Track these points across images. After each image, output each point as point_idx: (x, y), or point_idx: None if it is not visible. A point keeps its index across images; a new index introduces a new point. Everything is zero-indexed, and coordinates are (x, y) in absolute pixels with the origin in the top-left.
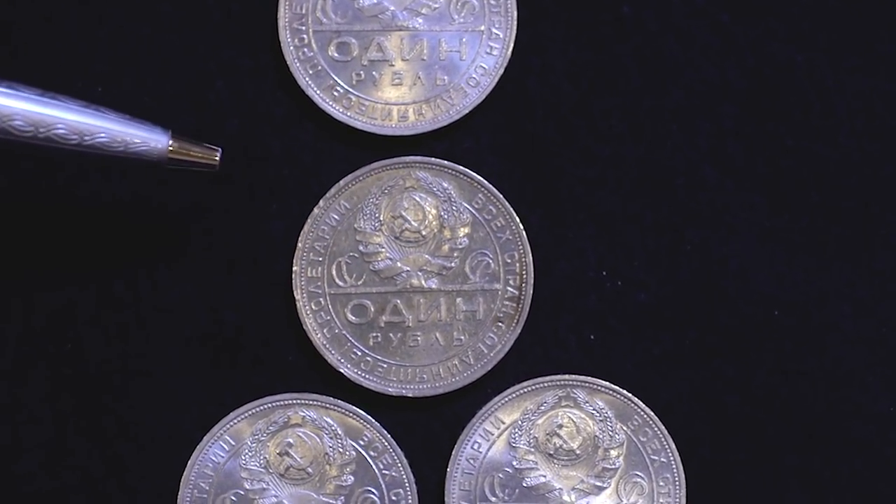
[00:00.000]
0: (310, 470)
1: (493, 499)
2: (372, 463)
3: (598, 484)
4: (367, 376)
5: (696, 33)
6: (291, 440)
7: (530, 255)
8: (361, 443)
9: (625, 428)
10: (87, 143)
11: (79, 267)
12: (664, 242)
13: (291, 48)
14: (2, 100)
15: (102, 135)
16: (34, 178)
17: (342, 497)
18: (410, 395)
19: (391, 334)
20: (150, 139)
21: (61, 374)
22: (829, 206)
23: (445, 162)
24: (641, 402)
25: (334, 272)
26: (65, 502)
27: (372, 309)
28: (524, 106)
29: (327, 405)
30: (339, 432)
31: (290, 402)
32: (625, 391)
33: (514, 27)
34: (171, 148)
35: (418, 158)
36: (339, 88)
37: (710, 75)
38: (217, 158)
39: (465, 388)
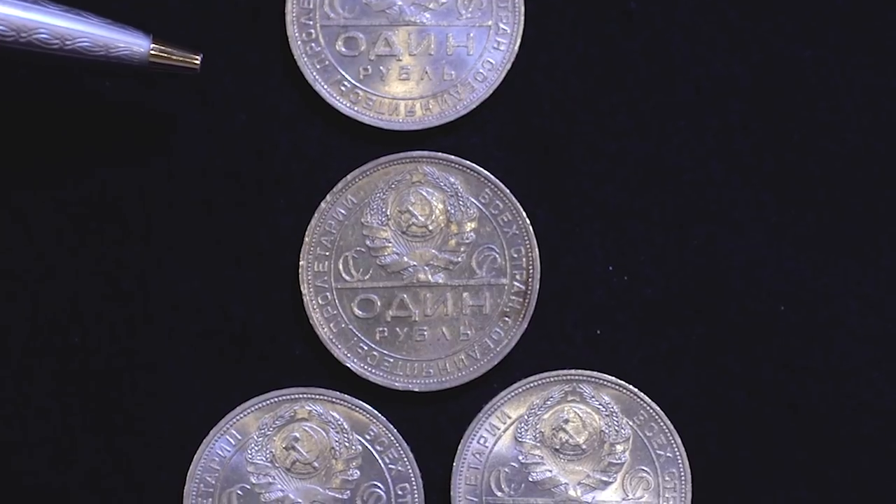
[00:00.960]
0: (316, 464)
1: (499, 493)
2: (378, 457)
3: (604, 479)
4: (373, 371)
5: (703, 29)
6: (298, 434)
7: (537, 249)
8: (368, 437)
9: (631, 423)
10: (68, 48)
11: (86, 261)
12: (671, 238)
13: (299, 43)
14: None
15: (84, 39)
16: (43, 170)
17: (348, 491)
18: (417, 389)
19: (398, 329)
20: (131, 43)
21: (68, 368)
22: (836, 203)
23: (452, 157)
24: (647, 398)
25: (341, 267)
26: (71, 497)
27: (378, 303)
28: (531, 101)
29: (333, 399)
30: (346, 426)
31: (297, 396)
32: (631, 386)
33: (522, 22)
34: (152, 52)
35: (425, 153)
36: (346, 83)
37: (717, 71)
38: (198, 62)
39: (471, 382)
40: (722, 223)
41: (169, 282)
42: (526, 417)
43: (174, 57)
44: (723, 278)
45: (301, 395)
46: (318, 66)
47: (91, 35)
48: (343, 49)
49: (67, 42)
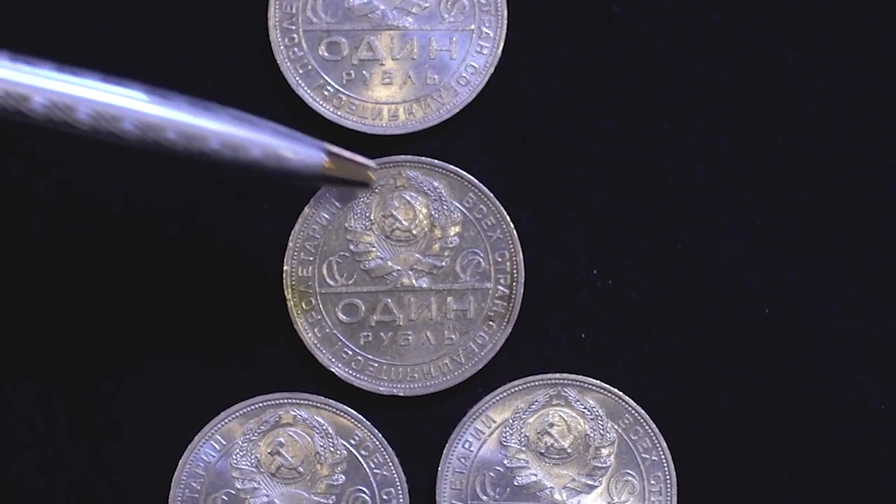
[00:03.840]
0: (301, 469)
1: (485, 498)
2: (363, 462)
3: (590, 482)
4: (358, 375)
5: (686, 32)
6: (283, 439)
7: (521, 253)
8: (352, 442)
9: (616, 426)
10: (241, 159)
11: (69, 267)
12: (655, 241)
13: (282, 48)
14: (157, 109)
15: (256, 149)
16: (27, 176)
17: (333, 496)
18: (401, 394)
19: (382, 333)
20: (306, 155)
21: (52, 374)
22: (820, 206)
23: (436, 161)
24: (632, 401)
25: (325, 271)
26: (56, 503)
27: (363, 308)
28: (515, 105)
29: (318, 404)
30: (331, 431)
31: (282, 401)
32: (616, 390)
33: (505, 26)
34: (326, 164)
35: (409, 157)
36: (329, 88)
37: (700, 74)
38: (372, 177)
39: (456, 387)
40: (706, 226)
41: (153, 287)
42: (511, 421)
43: (348, 168)
44: (707, 281)
45: (286, 401)
46: (300, 71)
47: (263, 145)
48: (326, 53)
49: (240, 153)
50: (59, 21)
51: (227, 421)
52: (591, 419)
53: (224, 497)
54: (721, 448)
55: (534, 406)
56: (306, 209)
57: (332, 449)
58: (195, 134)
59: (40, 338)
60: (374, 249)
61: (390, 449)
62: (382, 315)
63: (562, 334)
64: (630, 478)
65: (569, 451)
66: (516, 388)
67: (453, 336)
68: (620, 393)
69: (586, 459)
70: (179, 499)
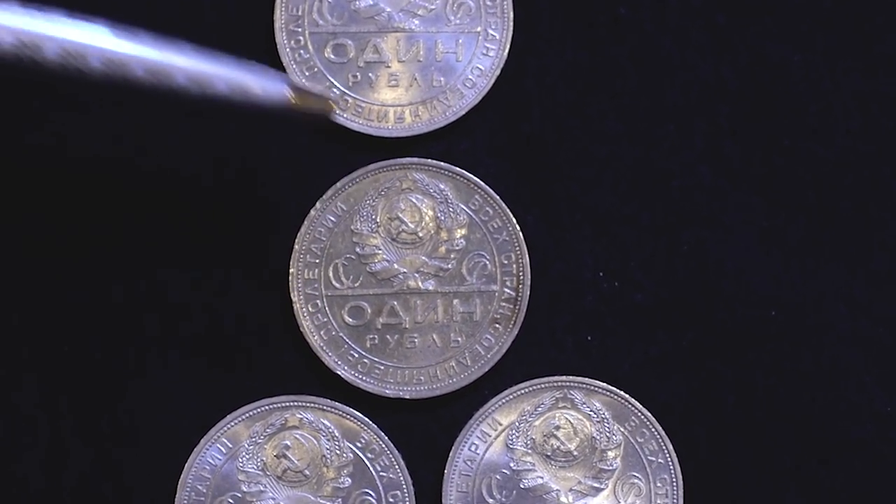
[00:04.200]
0: (307, 472)
1: (491, 500)
2: (369, 465)
3: (596, 485)
4: (364, 378)
5: (692, 34)
6: (289, 442)
7: (527, 256)
8: (359, 445)
9: (622, 429)
10: (208, 94)
11: (75, 268)
12: (661, 243)
13: (288, 50)
14: (122, 45)
15: (221, 84)
16: (31, 173)
17: (339, 499)
18: (408, 396)
19: (388, 336)
20: (269, 87)
21: (58, 376)
22: (826, 207)
23: (442, 163)
24: (639, 403)
25: (331, 274)
26: None
27: (369, 311)
28: (521, 107)
29: (324, 407)
30: (337, 434)
31: (288, 404)
32: (622, 392)
33: (511, 28)
34: (290, 97)
35: (415, 160)
36: (335, 90)
37: (706, 76)
38: (334, 107)
39: (462, 389)
40: (712, 228)
41: (159, 290)
42: (517, 424)
43: (311, 101)
44: (713, 283)
45: (292, 403)
46: (306, 73)
47: (228, 79)
48: (332, 56)
49: (206, 88)
50: None
51: (233, 424)
52: (598, 421)
53: (230, 500)
54: (727, 450)
55: (540, 408)
56: (312, 212)
57: (338, 452)
58: (161, 70)
59: (45, 339)
60: (380, 252)
61: (396, 451)
62: (388, 318)
63: (568, 336)
64: (636, 480)
65: (575, 453)
66: (522, 391)
67: (459, 338)
68: (626, 395)
69: (592, 462)
70: (185, 501)
